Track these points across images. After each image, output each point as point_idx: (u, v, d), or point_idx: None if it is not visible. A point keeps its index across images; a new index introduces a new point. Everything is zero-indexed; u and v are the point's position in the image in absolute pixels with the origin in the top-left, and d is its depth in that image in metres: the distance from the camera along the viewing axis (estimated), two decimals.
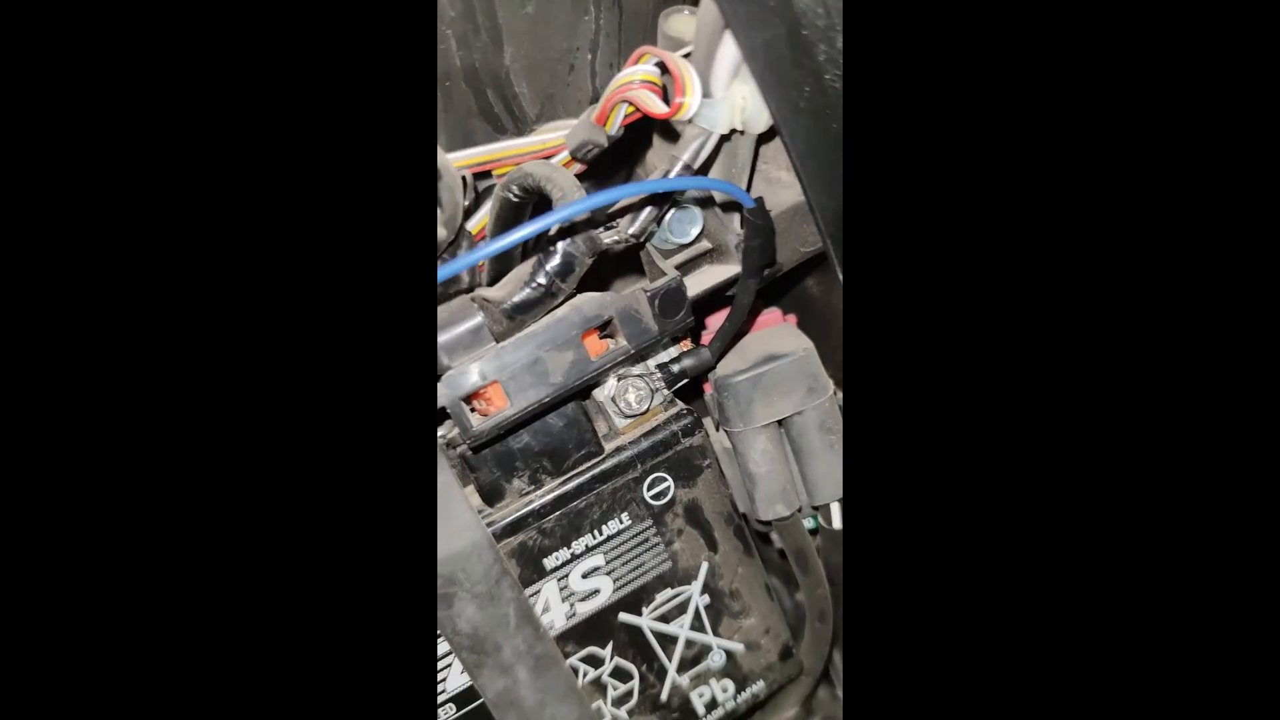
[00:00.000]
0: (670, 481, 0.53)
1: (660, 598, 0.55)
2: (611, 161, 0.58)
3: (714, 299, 0.54)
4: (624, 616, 0.54)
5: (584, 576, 0.53)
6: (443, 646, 0.50)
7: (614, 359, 0.49)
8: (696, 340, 0.56)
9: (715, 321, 0.59)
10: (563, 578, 0.52)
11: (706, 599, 0.56)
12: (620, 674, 0.55)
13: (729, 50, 0.45)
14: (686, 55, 0.48)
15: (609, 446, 0.53)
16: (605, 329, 0.50)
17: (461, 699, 0.51)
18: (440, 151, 0.46)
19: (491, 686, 0.51)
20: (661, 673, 0.56)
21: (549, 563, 0.52)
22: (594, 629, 0.54)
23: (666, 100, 0.47)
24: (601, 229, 0.49)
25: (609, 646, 0.54)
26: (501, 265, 0.51)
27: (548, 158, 0.52)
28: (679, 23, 0.54)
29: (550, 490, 0.51)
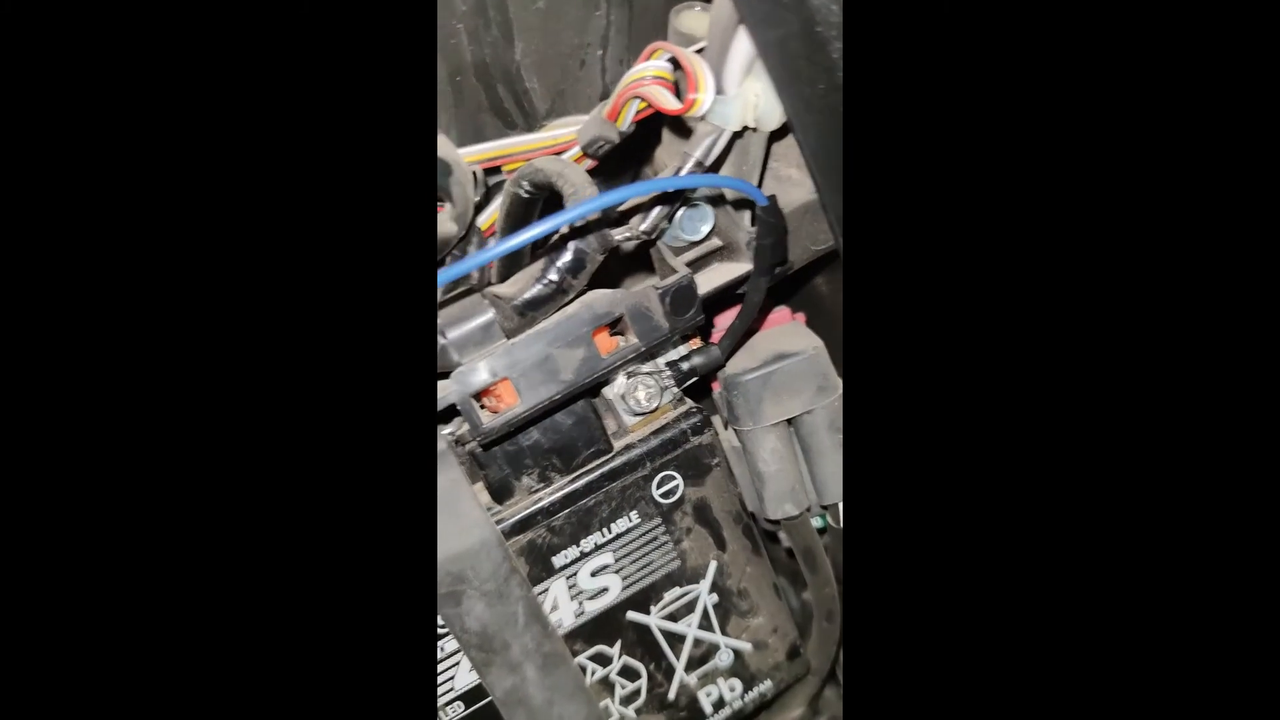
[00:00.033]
0: (679, 480, 0.53)
1: (668, 596, 0.54)
2: (621, 158, 0.58)
3: (723, 297, 0.54)
4: (632, 615, 0.54)
5: (593, 575, 0.52)
6: (451, 644, 0.50)
7: (624, 356, 0.48)
8: (705, 338, 0.56)
9: (723, 320, 0.58)
10: (571, 576, 0.52)
11: (715, 598, 0.56)
12: (628, 672, 0.55)
13: (742, 46, 0.45)
14: (699, 51, 0.48)
15: (618, 444, 0.52)
16: (615, 326, 0.49)
17: (469, 697, 0.51)
18: (451, 146, 0.46)
19: (500, 685, 0.50)
20: (669, 671, 0.56)
21: (558, 561, 0.51)
22: (602, 627, 0.53)
23: (679, 96, 0.47)
24: (613, 226, 0.48)
25: (617, 645, 0.54)
26: (512, 261, 0.51)
27: (558, 154, 0.51)
28: (690, 19, 0.54)
29: (559, 488, 0.51)
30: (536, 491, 0.51)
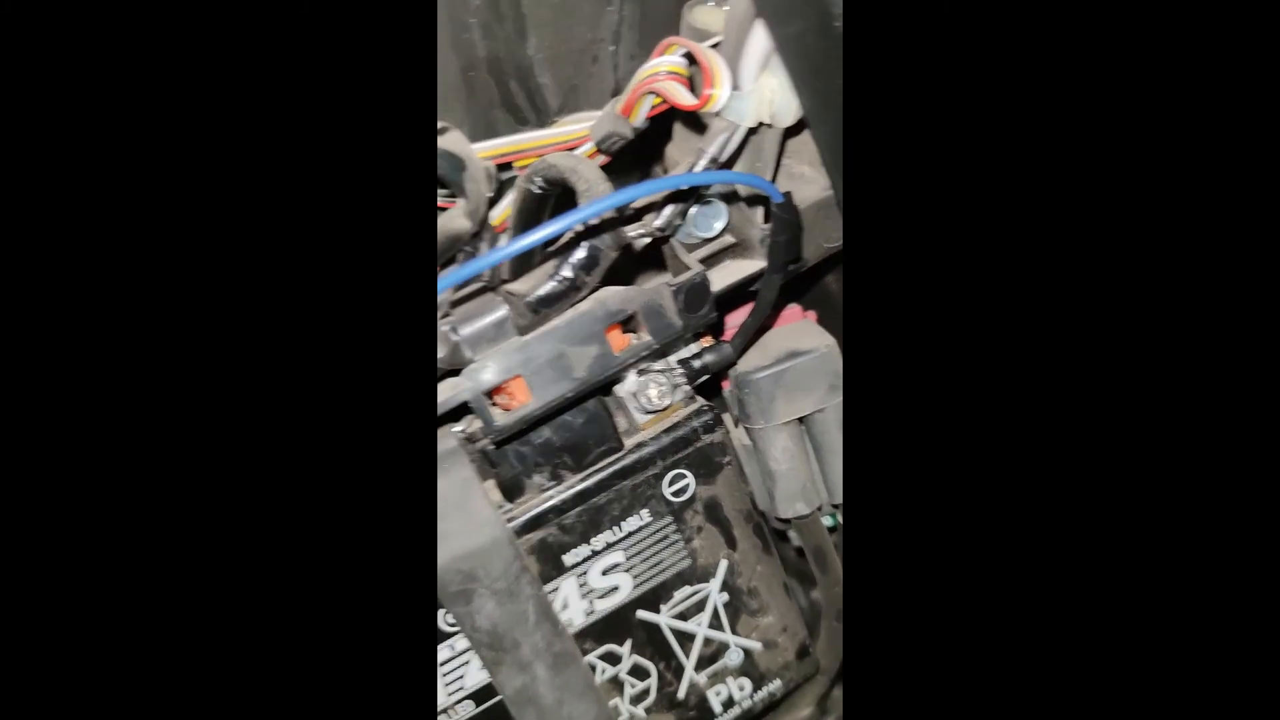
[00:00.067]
0: (691, 478, 0.52)
1: (679, 595, 0.54)
2: (631, 154, 0.57)
3: (735, 295, 0.53)
4: (642, 614, 0.53)
5: (603, 573, 0.52)
6: (461, 643, 0.49)
7: (637, 354, 0.48)
8: (717, 336, 0.55)
9: (734, 318, 0.58)
10: (582, 574, 0.51)
11: (725, 597, 0.55)
12: (638, 672, 0.54)
13: (759, 42, 0.44)
14: (714, 46, 0.47)
15: (629, 442, 0.52)
16: (628, 324, 0.49)
17: (479, 695, 0.50)
18: (465, 142, 0.45)
19: (510, 684, 0.50)
20: (679, 670, 0.55)
21: (568, 559, 0.51)
22: (612, 626, 0.53)
23: (693, 92, 0.46)
24: (626, 223, 0.48)
25: (627, 644, 0.53)
26: (523, 258, 0.50)
27: (571, 149, 0.51)
28: (703, 14, 0.53)
29: (571, 486, 0.50)
30: (547, 489, 0.50)
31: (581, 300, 0.47)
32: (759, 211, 0.52)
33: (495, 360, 0.45)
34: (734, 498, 0.54)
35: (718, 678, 0.56)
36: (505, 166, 0.53)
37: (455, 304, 0.45)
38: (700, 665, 0.56)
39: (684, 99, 0.45)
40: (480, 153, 0.49)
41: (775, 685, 0.58)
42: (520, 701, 0.50)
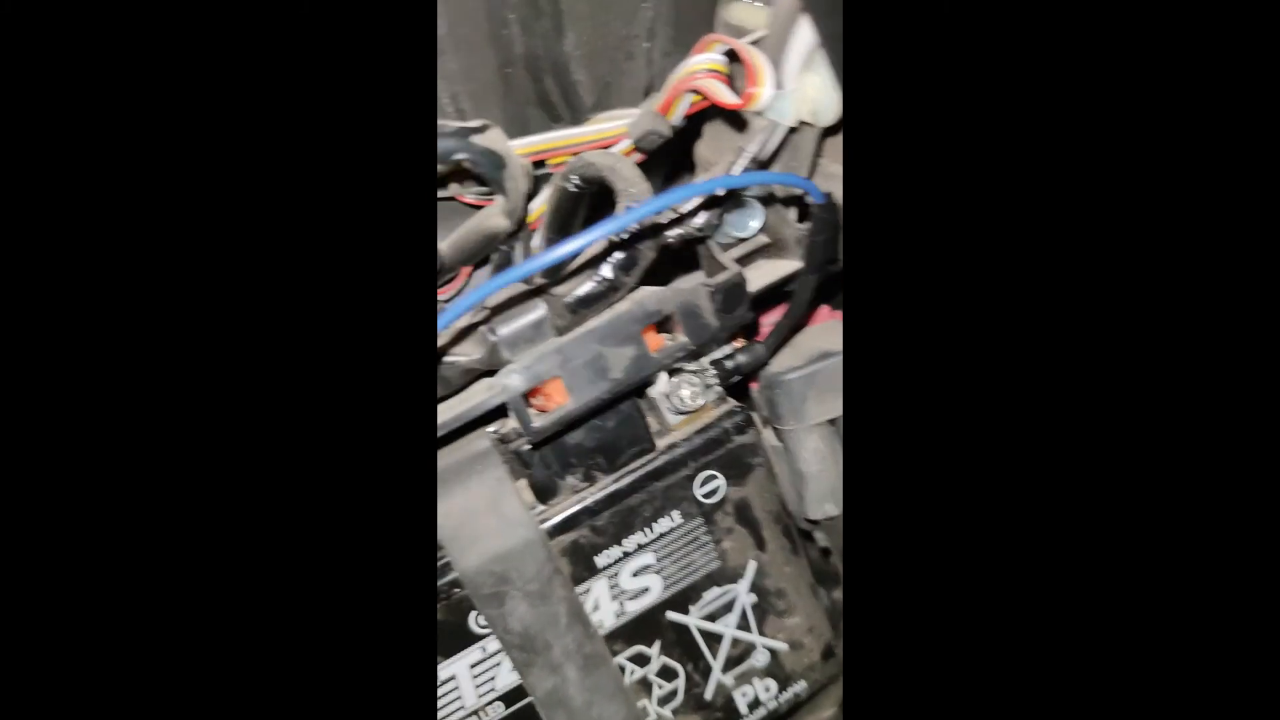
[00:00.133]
0: (722, 479, 0.52)
1: (708, 596, 0.53)
2: (658, 152, 0.56)
3: (768, 295, 0.52)
4: (672, 615, 0.52)
5: (634, 575, 0.51)
6: (493, 644, 0.48)
7: (674, 355, 0.47)
8: (748, 336, 0.54)
9: (766, 318, 0.57)
10: (613, 576, 0.50)
11: (753, 598, 0.54)
12: (666, 673, 0.53)
13: (803, 39, 0.43)
14: (752, 43, 0.46)
15: (661, 443, 0.51)
16: (664, 324, 0.48)
17: (509, 697, 0.49)
18: (504, 139, 0.44)
19: (540, 685, 0.49)
20: (706, 671, 0.54)
21: (600, 561, 0.50)
22: (642, 628, 0.52)
23: (733, 89, 0.45)
24: (664, 221, 0.46)
25: (656, 645, 0.52)
26: None
27: (606, 147, 0.49)
28: (739, 11, 0.52)
29: (603, 487, 0.49)
30: (580, 491, 0.49)
31: (619, 301, 0.46)
32: (793, 211, 0.51)
33: (533, 361, 0.44)
34: (764, 499, 0.53)
35: (744, 679, 0.55)
36: (538, 164, 0.51)
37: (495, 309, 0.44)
38: (727, 666, 0.55)
39: (726, 97, 0.44)
40: (515, 150, 0.48)
41: (800, 686, 0.57)
42: (550, 703, 0.49)
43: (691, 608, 0.53)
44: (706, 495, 0.51)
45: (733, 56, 0.46)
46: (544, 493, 0.49)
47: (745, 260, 0.52)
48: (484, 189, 0.48)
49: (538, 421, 0.44)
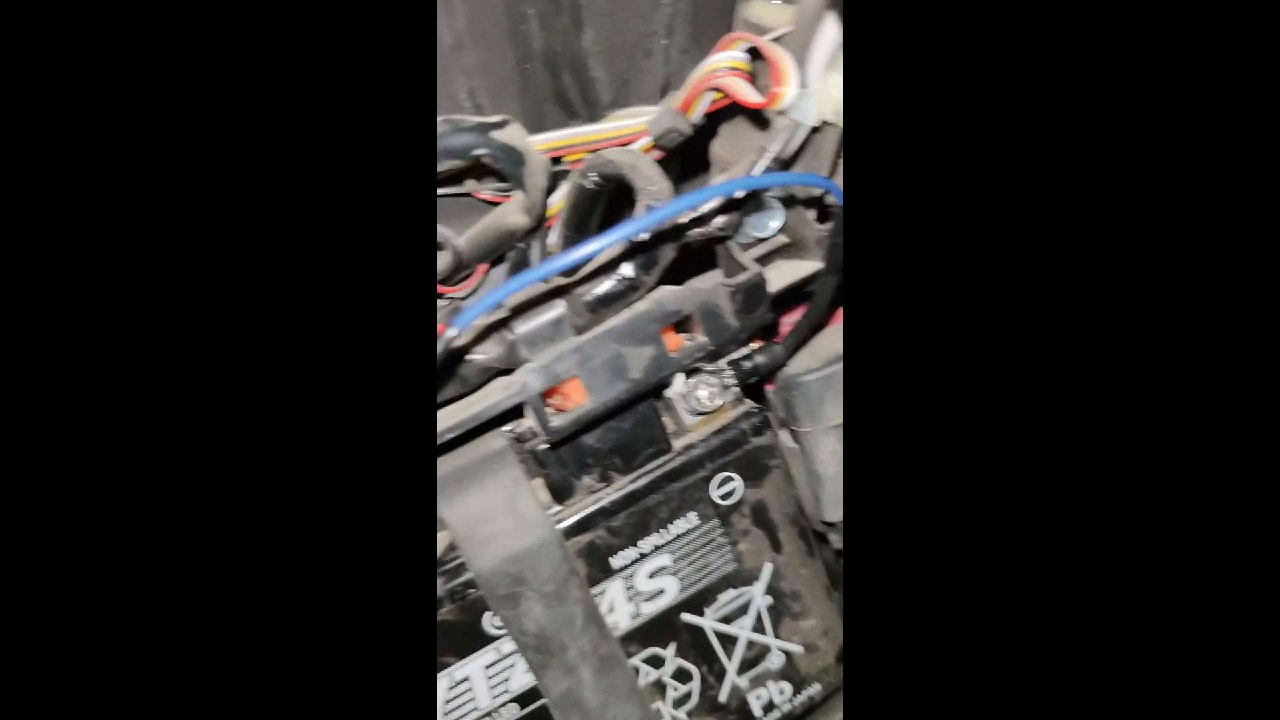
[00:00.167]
0: (739, 481, 0.51)
1: (723, 598, 0.52)
2: (672, 150, 0.55)
3: (786, 296, 0.52)
4: (687, 617, 0.52)
5: (650, 576, 0.50)
6: (508, 645, 0.47)
7: (693, 355, 0.46)
8: (766, 337, 0.54)
9: (783, 319, 0.56)
10: (629, 577, 0.50)
11: (769, 600, 0.54)
12: (681, 675, 0.52)
13: (828, 37, 0.43)
14: (774, 41, 0.45)
15: (678, 444, 0.50)
16: (682, 324, 0.47)
17: (524, 699, 0.49)
18: (524, 135, 0.44)
19: (555, 687, 0.48)
20: (721, 674, 0.54)
21: (616, 562, 0.49)
22: (657, 629, 0.51)
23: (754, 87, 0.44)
24: (687, 221, 0.46)
25: (671, 647, 0.52)
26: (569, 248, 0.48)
27: (625, 145, 0.49)
28: (759, 9, 0.51)
29: (620, 488, 0.49)
30: (596, 491, 0.49)
31: (638, 300, 0.45)
32: (813, 211, 0.50)
33: (551, 360, 0.43)
34: (780, 501, 0.52)
35: (759, 681, 0.55)
36: (554, 161, 0.51)
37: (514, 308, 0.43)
38: (742, 669, 0.54)
39: (749, 96, 0.43)
40: (534, 146, 0.47)
41: (815, 689, 0.57)
42: (565, 705, 0.49)
43: (707, 610, 0.52)
44: (723, 497, 0.51)
45: (754, 54, 0.45)
46: (560, 493, 0.48)
47: (764, 260, 0.51)
48: (501, 185, 0.47)
49: (556, 421, 0.44)
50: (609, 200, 0.48)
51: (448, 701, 0.47)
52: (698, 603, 0.52)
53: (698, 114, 0.46)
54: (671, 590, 0.51)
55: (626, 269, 0.43)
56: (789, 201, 0.50)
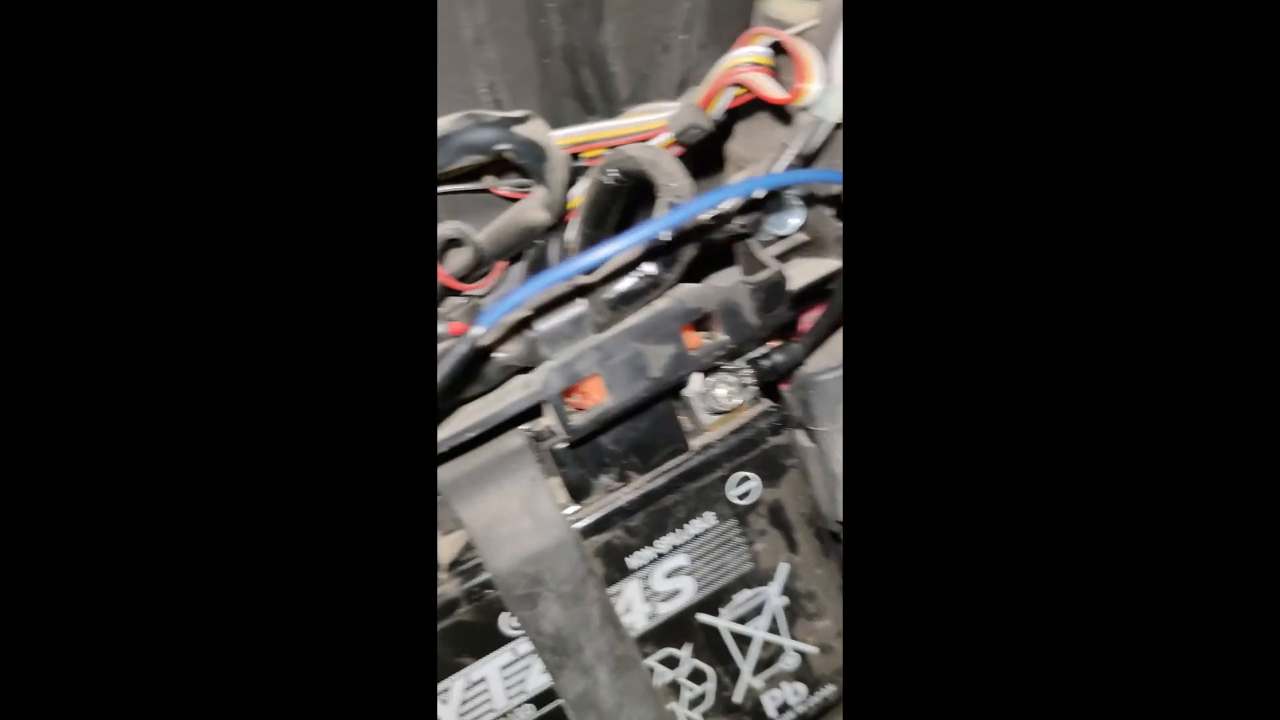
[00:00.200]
0: (756, 481, 0.50)
1: (738, 599, 0.52)
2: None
3: (805, 294, 0.51)
4: (703, 617, 0.51)
5: (667, 576, 0.49)
6: (524, 646, 0.47)
7: (712, 354, 0.46)
8: (784, 336, 0.53)
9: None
10: (646, 577, 0.49)
11: (784, 600, 0.53)
12: (696, 675, 0.52)
13: None
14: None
15: (695, 444, 0.50)
16: (701, 322, 0.46)
17: (540, 699, 0.48)
18: (546, 130, 0.43)
19: (571, 688, 0.48)
20: (736, 674, 0.53)
21: (633, 562, 0.48)
22: (673, 630, 0.50)
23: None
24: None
25: (687, 648, 0.51)
26: (587, 243, 0.48)
27: (645, 141, 0.48)
28: (780, 4, 0.50)
29: (637, 487, 0.48)
30: (614, 491, 0.48)
31: (658, 298, 0.44)
32: (833, 209, 0.49)
33: (572, 359, 0.42)
34: (797, 500, 0.52)
35: (773, 682, 0.54)
36: (573, 157, 0.50)
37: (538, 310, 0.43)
38: (757, 669, 0.53)
39: (773, 92, 0.42)
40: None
41: (829, 690, 0.56)
42: (581, 706, 0.48)
43: (722, 610, 0.51)
44: (740, 497, 0.50)
45: (777, 49, 0.45)
46: (578, 492, 0.48)
47: (783, 258, 0.50)
48: (520, 181, 0.47)
49: (576, 419, 0.43)
50: (629, 197, 0.47)
51: (464, 702, 0.47)
52: (714, 603, 0.51)
53: (719, 110, 0.45)
54: (688, 590, 0.50)
55: (647, 266, 0.42)
56: (809, 199, 0.49)
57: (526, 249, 0.48)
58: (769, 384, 0.51)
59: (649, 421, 0.48)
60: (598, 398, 0.44)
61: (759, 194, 0.46)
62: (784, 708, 0.55)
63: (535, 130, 0.42)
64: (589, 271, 0.45)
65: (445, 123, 0.42)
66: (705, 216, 0.44)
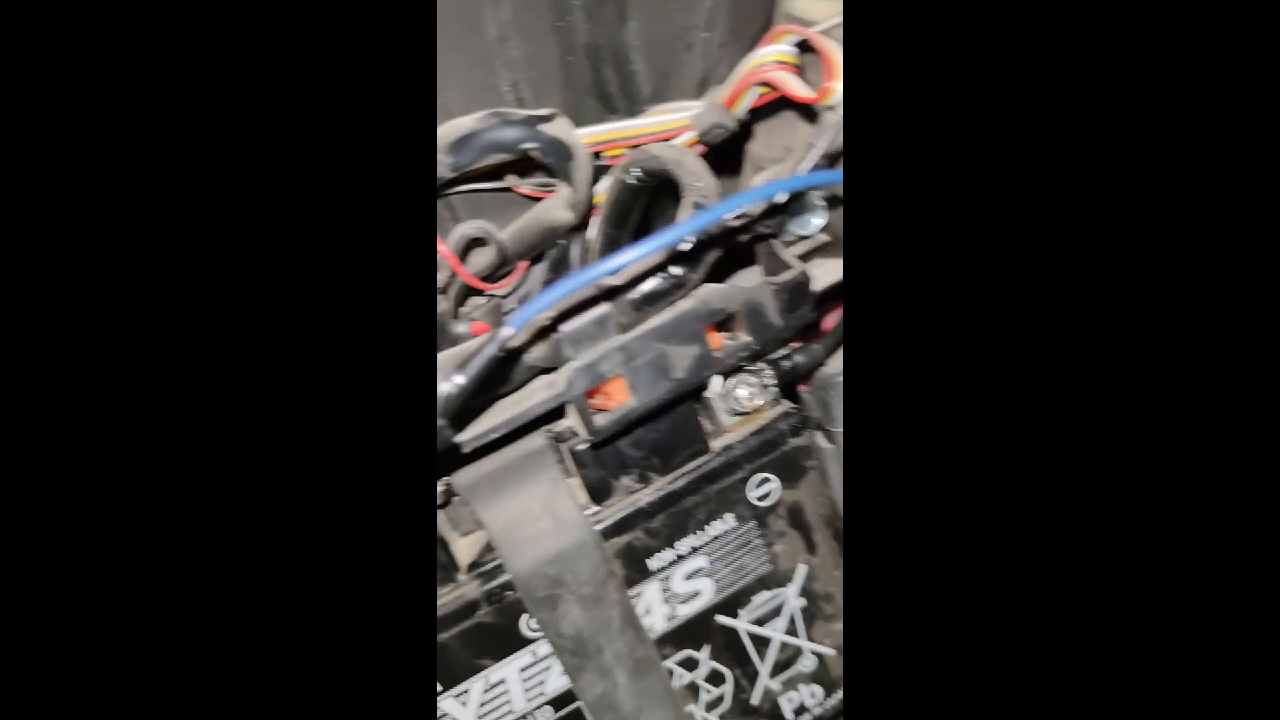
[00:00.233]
0: (776, 482, 0.50)
1: (757, 600, 0.51)
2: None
3: (826, 295, 0.50)
4: (722, 619, 0.51)
5: (686, 578, 0.49)
6: (543, 648, 0.46)
7: (736, 355, 0.45)
8: (804, 338, 0.52)
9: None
10: (665, 579, 0.48)
11: (802, 602, 0.52)
12: (714, 678, 0.51)
13: None
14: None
15: (716, 445, 0.49)
16: (723, 323, 0.46)
17: (559, 701, 0.47)
18: (572, 129, 0.42)
19: (591, 690, 0.47)
20: (754, 676, 0.53)
21: (653, 564, 0.48)
22: (692, 632, 0.50)
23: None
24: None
25: (705, 650, 0.51)
26: (611, 244, 0.47)
27: (668, 140, 0.47)
28: (803, 2, 0.50)
29: (658, 489, 0.47)
30: (635, 492, 0.48)
31: (682, 298, 0.44)
32: None
33: (596, 359, 0.42)
34: (816, 502, 0.51)
35: (791, 684, 0.54)
36: (594, 156, 0.49)
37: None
38: (775, 671, 0.53)
39: (799, 91, 0.42)
40: None
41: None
42: (600, 708, 0.48)
43: (741, 611, 0.51)
44: (760, 498, 0.50)
45: (802, 48, 0.44)
46: (598, 493, 0.47)
47: (805, 258, 0.50)
48: (543, 180, 0.46)
49: (600, 420, 0.43)
50: (651, 197, 0.46)
51: (483, 704, 0.46)
52: (732, 605, 0.51)
53: (743, 109, 0.45)
54: (707, 592, 0.50)
55: (675, 267, 0.42)
56: (833, 200, 0.49)
57: (549, 249, 0.47)
58: (789, 385, 0.51)
59: (670, 422, 0.47)
60: (621, 399, 0.43)
61: (781, 198, 0.45)
62: (801, 710, 0.54)
63: (561, 129, 0.42)
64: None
65: (470, 121, 0.42)
66: (730, 219, 0.44)
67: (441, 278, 0.45)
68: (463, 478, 0.45)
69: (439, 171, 0.41)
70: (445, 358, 0.42)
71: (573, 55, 0.46)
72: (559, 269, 0.49)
